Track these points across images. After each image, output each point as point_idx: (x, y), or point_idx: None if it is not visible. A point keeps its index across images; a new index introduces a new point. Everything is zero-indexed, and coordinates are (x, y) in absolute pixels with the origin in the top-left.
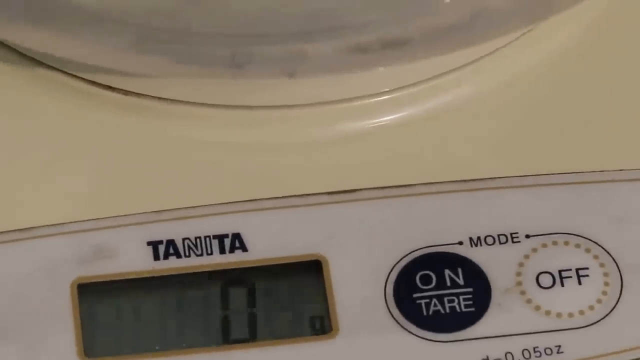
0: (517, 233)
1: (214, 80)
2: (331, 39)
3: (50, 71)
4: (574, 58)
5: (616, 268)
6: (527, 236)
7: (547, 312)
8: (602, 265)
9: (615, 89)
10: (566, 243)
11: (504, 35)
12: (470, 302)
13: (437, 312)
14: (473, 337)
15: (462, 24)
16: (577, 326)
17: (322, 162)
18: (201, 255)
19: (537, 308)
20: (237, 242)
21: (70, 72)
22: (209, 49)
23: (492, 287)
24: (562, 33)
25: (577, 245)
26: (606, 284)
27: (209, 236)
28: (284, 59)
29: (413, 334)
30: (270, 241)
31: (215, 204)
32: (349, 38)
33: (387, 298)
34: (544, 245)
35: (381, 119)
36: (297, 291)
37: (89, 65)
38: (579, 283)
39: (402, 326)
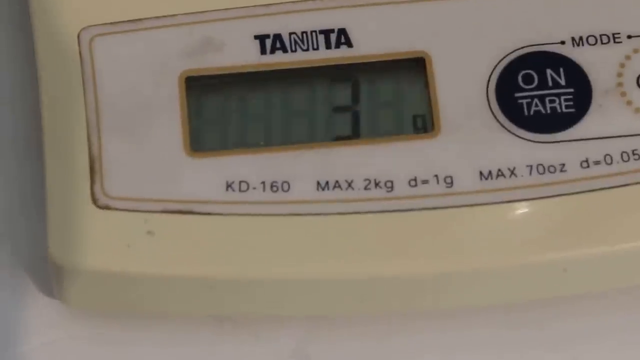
0: (619, 33)
1: None
2: None
3: None
4: None
5: None
6: (629, 37)
7: None
8: None
9: None
10: None
11: None
12: (571, 103)
13: (538, 112)
14: (573, 138)
15: None
16: None
17: None
18: (307, 50)
19: (637, 110)
20: (342, 37)
21: None
22: None
23: (593, 87)
24: None
25: None
26: None
27: (315, 31)
28: None
29: (514, 134)
30: (375, 37)
31: None
32: None
33: (489, 97)
34: None
35: None
36: (400, 88)
37: None
38: None
39: (503, 126)
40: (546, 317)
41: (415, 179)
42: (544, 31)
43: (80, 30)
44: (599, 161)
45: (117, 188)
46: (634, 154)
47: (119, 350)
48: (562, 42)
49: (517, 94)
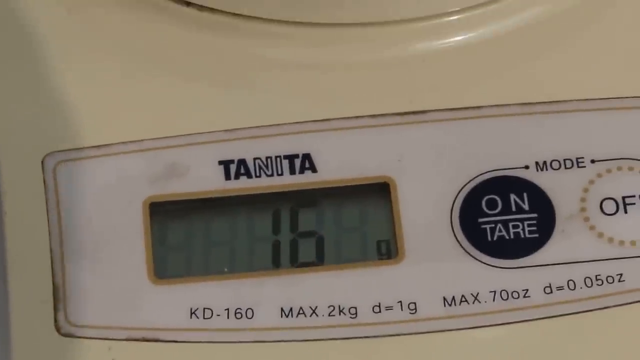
0: (582, 158)
1: None
2: None
3: None
4: None
5: None
6: (593, 161)
7: (610, 240)
8: None
9: None
10: (630, 168)
11: None
12: (535, 228)
13: (501, 237)
14: (536, 263)
15: None
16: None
17: (393, 82)
18: (272, 175)
19: (600, 235)
20: (307, 162)
21: None
22: None
23: (556, 212)
24: None
25: None
26: None
27: (279, 156)
28: None
29: (478, 259)
30: (339, 162)
31: (287, 124)
32: None
33: (453, 222)
34: (609, 171)
35: (451, 39)
36: (364, 213)
37: None
38: None
39: (467, 251)
40: None
41: (379, 305)
42: (507, 156)
43: (45, 156)
44: (562, 287)
45: (81, 316)
46: (597, 280)
47: None
48: (526, 167)
49: (481, 219)
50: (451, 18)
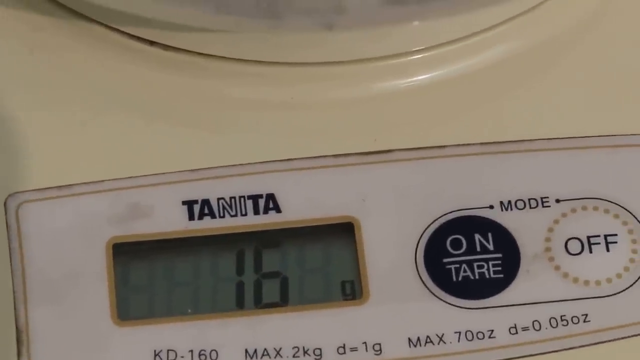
0: (547, 197)
1: (252, 34)
2: None
3: (92, 24)
4: (608, 20)
5: None
6: (557, 200)
7: (575, 280)
8: (630, 231)
9: None
10: (595, 208)
11: None
12: (499, 268)
13: (466, 277)
14: (501, 304)
15: None
16: (604, 294)
17: (357, 121)
18: (235, 215)
19: (565, 275)
20: (270, 202)
21: (112, 25)
22: None
23: (521, 253)
24: None
25: (606, 211)
26: (634, 251)
27: (243, 196)
28: (323, 9)
29: (442, 300)
30: (303, 202)
31: (251, 163)
32: None
33: (417, 262)
34: (574, 211)
35: (415, 79)
36: (329, 254)
37: (130, 18)
38: (607, 250)
39: (431, 292)
40: None
41: (343, 347)
42: (472, 196)
43: (7, 197)
44: (527, 327)
45: (45, 359)
46: (562, 320)
47: None
48: (491, 207)
49: (446, 260)
50: (415, 57)
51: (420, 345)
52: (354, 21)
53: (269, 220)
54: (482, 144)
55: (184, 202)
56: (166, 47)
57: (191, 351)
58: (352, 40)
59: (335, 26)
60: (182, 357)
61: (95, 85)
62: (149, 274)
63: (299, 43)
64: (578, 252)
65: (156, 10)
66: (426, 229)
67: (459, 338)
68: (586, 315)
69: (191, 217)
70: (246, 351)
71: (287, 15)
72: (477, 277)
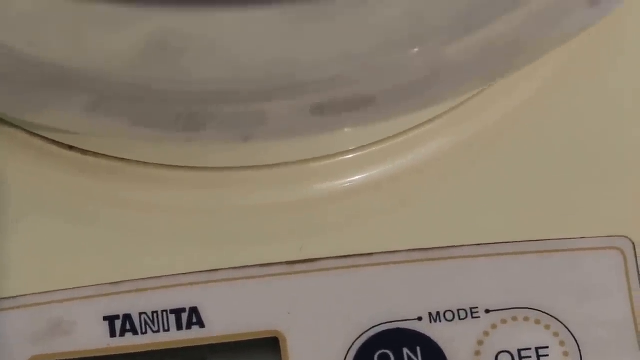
0: (477, 308)
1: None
2: (288, 99)
3: (12, 129)
4: (534, 118)
5: (576, 346)
6: (487, 311)
7: None
8: (562, 343)
9: (578, 150)
10: (526, 319)
11: (466, 92)
12: None
13: None
14: None
15: (422, 81)
16: None
17: (283, 227)
18: (158, 331)
19: None
20: (194, 317)
21: (31, 130)
22: (163, 111)
23: None
24: (521, 89)
25: (537, 322)
26: None
27: (166, 310)
28: (240, 121)
29: None
30: (227, 316)
31: (173, 275)
32: (307, 98)
33: None
34: (504, 322)
35: (341, 182)
36: None
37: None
38: None
39: None
40: None
41: None
42: (400, 307)
43: None
44: None
45: None
46: None
47: None
48: (419, 319)
49: None
50: (341, 158)
51: None
52: (272, 133)
53: (192, 336)
54: (408, 250)
55: (105, 318)
56: (85, 152)
57: None
58: (276, 145)
59: (252, 138)
60: None
61: (12, 192)
62: None
63: (219, 149)
64: None
65: (74, 123)
66: (354, 343)
67: None
68: None
69: (112, 333)
70: None
71: (203, 128)
72: None
